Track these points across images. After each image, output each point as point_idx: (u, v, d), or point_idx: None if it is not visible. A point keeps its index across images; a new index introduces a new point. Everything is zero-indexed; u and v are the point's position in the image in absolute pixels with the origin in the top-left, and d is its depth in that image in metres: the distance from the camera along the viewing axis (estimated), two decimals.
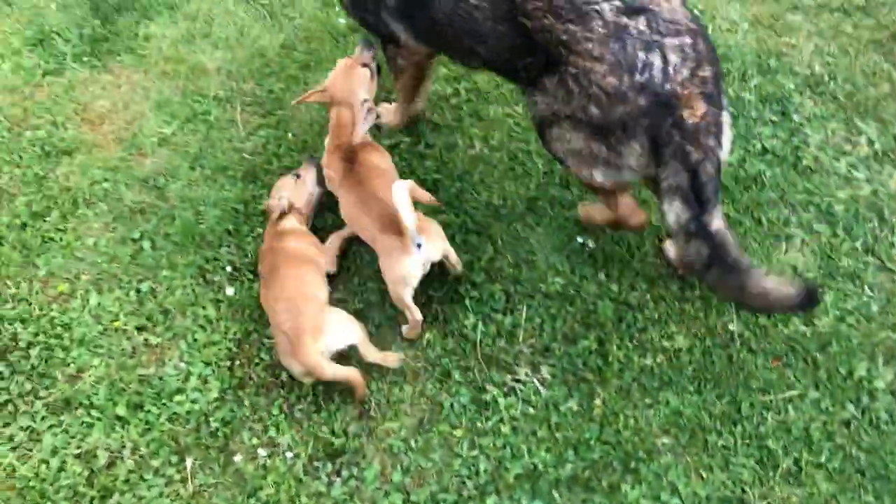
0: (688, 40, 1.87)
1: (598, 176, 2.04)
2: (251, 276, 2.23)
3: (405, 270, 2.04)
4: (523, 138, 2.53)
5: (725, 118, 1.91)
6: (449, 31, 2.13)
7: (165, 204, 2.40)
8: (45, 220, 2.36)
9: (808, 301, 1.88)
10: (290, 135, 2.56)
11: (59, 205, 2.39)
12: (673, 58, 1.85)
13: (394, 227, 2.00)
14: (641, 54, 1.85)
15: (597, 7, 1.88)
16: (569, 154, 2.06)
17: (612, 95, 1.88)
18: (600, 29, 1.88)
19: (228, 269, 2.25)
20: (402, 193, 1.95)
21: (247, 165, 2.49)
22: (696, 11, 2.81)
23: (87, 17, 2.93)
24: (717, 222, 1.89)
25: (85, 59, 2.80)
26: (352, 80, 2.28)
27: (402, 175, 2.27)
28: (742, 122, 2.54)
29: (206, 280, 2.24)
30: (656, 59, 1.85)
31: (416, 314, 2.09)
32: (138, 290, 2.21)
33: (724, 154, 1.92)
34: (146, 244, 2.31)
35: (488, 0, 2.01)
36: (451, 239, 2.23)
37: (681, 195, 1.89)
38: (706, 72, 1.87)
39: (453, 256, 2.16)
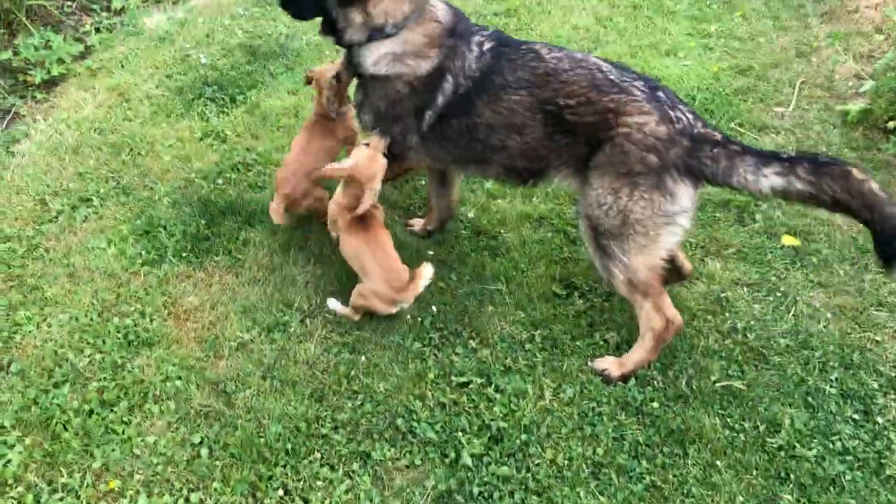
0: (690, 107, 2.50)
1: (667, 238, 2.44)
2: (302, 502, 2.17)
3: (380, 309, 2.62)
4: (595, 397, 2.50)
5: None
6: (483, 136, 2.60)
7: (231, 411, 2.40)
8: (112, 410, 2.37)
9: None
10: (363, 357, 2.60)
11: (130, 396, 2.42)
12: (691, 116, 2.44)
13: (392, 280, 2.59)
14: (671, 111, 2.42)
15: (632, 84, 2.46)
16: (629, 234, 2.44)
17: (666, 140, 2.38)
18: (641, 94, 2.42)
19: (280, 491, 2.20)
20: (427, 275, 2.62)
21: (316, 383, 2.51)
22: (778, 295, 2.84)
23: (195, 216, 3.11)
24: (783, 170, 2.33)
25: (184, 254, 2.95)
26: (374, 167, 2.63)
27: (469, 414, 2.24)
28: (821, 415, 2.46)
29: (255, 498, 2.19)
30: (681, 115, 2.43)
31: (352, 315, 2.70)
32: (188, 500, 2.16)
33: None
34: (204, 451, 2.28)
35: (531, 96, 2.51)
36: (510, 495, 2.16)
37: (772, 169, 2.32)
38: (715, 132, 2.44)
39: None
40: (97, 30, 4.41)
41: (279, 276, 2.87)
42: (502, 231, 3.12)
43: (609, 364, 2.59)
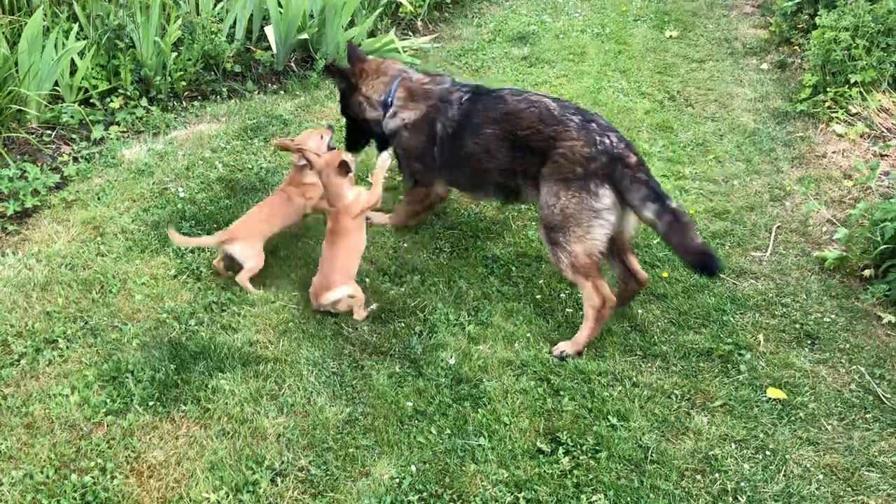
0: (620, 136, 3.32)
1: (598, 230, 3.21)
2: None
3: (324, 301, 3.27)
4: None
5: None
6: (473, 161, 3.54)
7: None
8: None
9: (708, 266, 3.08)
10: None
11: None
12: (615, 139, 3.28)
13: (318, 282, 3.30)
14: (598, 137, 3.27)
15: (564, 116, 3.37)
16: (569, 227, 3.23)
17: (588, 157, 3.24)
18: (574, 125, 3.32)
19: None
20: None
21: None
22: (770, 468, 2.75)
23: (164, 360, 2.99)
24: (672, 203, 3.14)
25: (151, 403, 2.81)
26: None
27: None
28: None
29: None
30: (607, 140, 3.26)
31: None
32: None
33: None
34: None
35: (499, 129, 3.48)
36: None
37: (649, 199, 3.14)
38: (633, 154, 3.25)
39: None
40: (75, 159, 4.39)
41: (249, 429, 2.73)
42: (484, 379, 3.03)
43: (564, 346, 3.23)
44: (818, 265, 3.79)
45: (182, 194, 4.08)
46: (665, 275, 3.71)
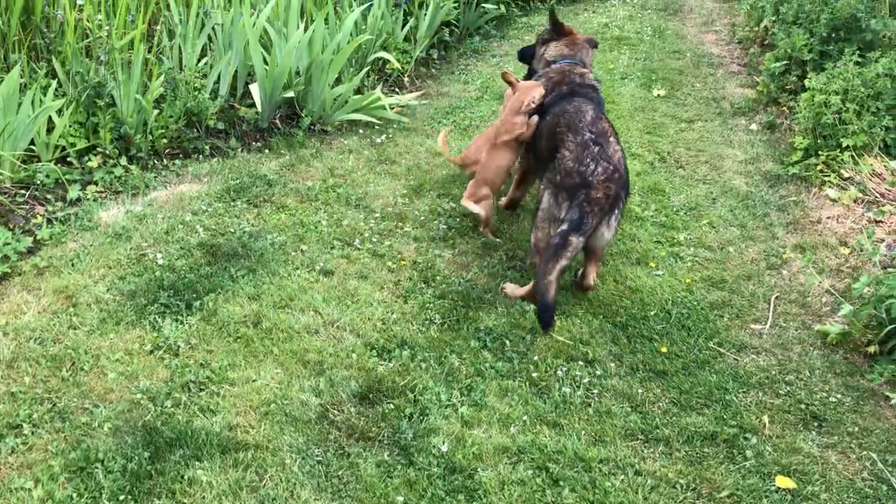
0: (612, 169, 3.67)
1: (544, 227, 3.77)
2: None
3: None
4: None
5: (613, 218, 3.73)
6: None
7: None
8: None
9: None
10: None
11: None
12: (600, 170, 3.64)
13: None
14: (589, 159, 3.67)
15: (584, 129, 3.78)
16: (541, 209, 3.81)
17: (570, 173, 3.68)
18: (577, 141, 3.74)
19: None
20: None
21: None
22: None
23: (138, 448, 2.79)
24: (574, 240, 3.57)
25: (121, 497, 2.61)
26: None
27: None
28: None
29: None
30: (594, 167, 3.65)
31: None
32: None
33: (607, 232, 3.76)
34: None
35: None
36: None
37: (571, 225, 3.58)
38: (612, 188, 3.64)
39: None
40: (49, 221, 4.22)
41: None
42: (479, 468, 2.86)
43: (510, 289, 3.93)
44: (820, 339, 3.68)
45: (161, 261, 3.91)
46: (664, 349, 3.57)
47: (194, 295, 3.68)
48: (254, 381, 3.21)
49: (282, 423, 3.00)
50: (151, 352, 3.32)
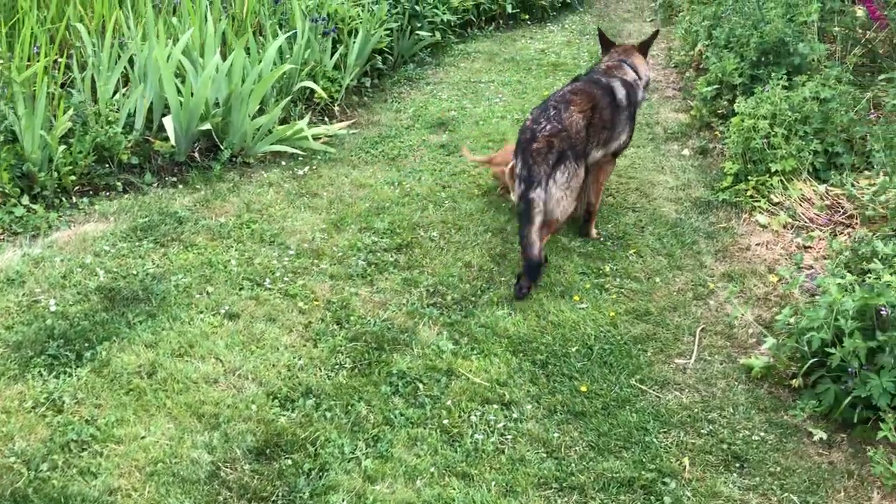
0: (560, 127, 4.14)
1: (512, 184, 4.33)
2: None
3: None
4: None
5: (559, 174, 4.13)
6: None
7: None
8: None
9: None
10: None
11: None
12: (549, 127, 4.12)
13: None
14: (543, 120, 4.17)
15: (553, 98, 4.40)
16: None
17: (524, 131, 4.23)
18: (542, 106, 4.35)
19: None
20: None
21: None
22: None
23: None
24: (534, 194, 4.01)
25: None
26: None
27: None
28: None
29: None
30: (545, 124, 4.14)
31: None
32: None
33: (556, 191, 4.13)
34: None
35: None
36: None
37: (524, 181, 4.07)
38: (555, 143, 4.10)
39: None
40: None
41: None
42: None
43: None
44: (745, 373, 3.56)
45: (53, 307, 3.67)
46: (584, 388, 3.42)
47: (87, 344, 3.45)
48: (142, 437, 2.99)
49: (168, 485, 2.78)
50: (32, 409, 3.08)
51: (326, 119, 6.41)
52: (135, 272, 4.01)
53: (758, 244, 4.63)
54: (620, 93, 4.56)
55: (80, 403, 3.13)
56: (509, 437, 3.15)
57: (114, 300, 3.77)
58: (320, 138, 5.91)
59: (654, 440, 3.16)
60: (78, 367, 3.31)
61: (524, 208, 4.03)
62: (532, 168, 4.06)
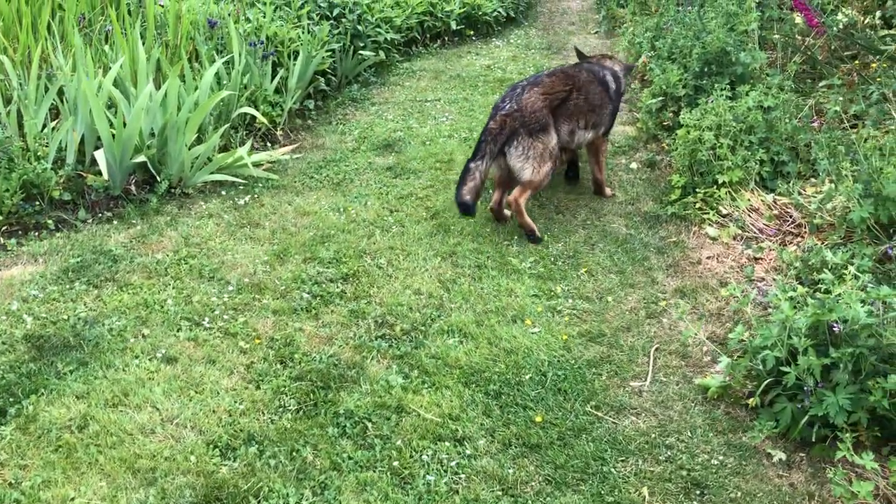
0: (514, 108, 4.79)
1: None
2: None
3: None
4: None
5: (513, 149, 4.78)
6: None
7: None
8: None
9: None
10: None
11: None
12: (507, 107, 4.80)
13: None
14: (506, 100, 4.88)
15: (523, 80, 5.19)
16: None
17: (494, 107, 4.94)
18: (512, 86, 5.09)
19: None
20: None
21: None
22: None
23: None
24: (472, 166, 4.71)
25: None
26: None
27: None
28: None
29: None
30: (506, 104, 4.87)
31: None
32: None
33: (516, 162, 4.80)
34: None
35: None
36: None
37: (473, 155, 4.76)
38: (508, 122, 4.75)
39: None
40: None
41: None
42: None
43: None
44: (701, 394, 3.49)
45: None
46: (539, 419, 3.32)
47: (12, 399, 3.24)
48: (72, 499, 2.80)
49: None
50: None
51: (269, 144, 6.25)
52: (66, 317, 3.80)
53: (708, 257, 4.59)
54: (609, 79, 5.35)
55: (2, 465, 2.93)
56: (463, 475, 3.02)
57: (42, 349, 3.56)
58: (262, 165, 5.75)
59: (613, 470, 3.07)
60: (2, 424, 3.11)
61: (463, 171, 4.73)
62: (482, 145, 4.73)
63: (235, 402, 3.33)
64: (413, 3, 8.91)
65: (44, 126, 5.14)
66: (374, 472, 3.02)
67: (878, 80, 5.53)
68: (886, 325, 3.05)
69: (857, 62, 6.25)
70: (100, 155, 4.94)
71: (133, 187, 5.14)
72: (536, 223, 4.97)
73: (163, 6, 6.56)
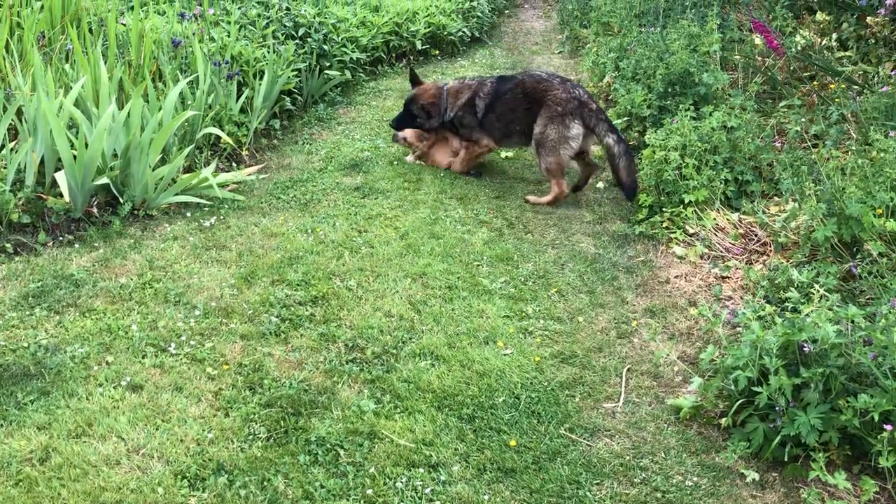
0: (585, 93, 5.73)
1: (563, 151, 5.53)
2: None
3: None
4: None
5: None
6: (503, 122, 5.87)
7: None
8: None
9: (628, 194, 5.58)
10: None
11: None
12: (583, 92, 5.67)
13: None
14: (573, 89, 5.65)
15: (552, 79, 5.79)
16: (547, 146, 5.56)
17: (563, 101, 5.54)
18: (558, 84, 5.69)
19: None
20: None
21: None
22: None
23: None
24: (615, 139, 5.55)
25: None
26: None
27: None
28: None
29: None
30: (577, 91, 5.63)
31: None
32: None
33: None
34: None
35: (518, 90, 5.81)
36: None
37: (611, 131, 5.54)
38: (594, 102, 5.66)
39: None
40: None
41: None
42: None
43: (533, 198, 5.69)
44: (674, 414, 3.50)
45: None
46: (513, 443, 3.29)
47: None
48: None
49: None
50: None
51: (235, 164, 6.18)
52: (25, 344, 3.69)
53: (677, 276, 4.63)
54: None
55: None
56: (438, 502, 2.98)
57: (1, 378, 3.45)
58: (228, 185, 5.68)
59: (588, 493, 3.05)
60: None
61: (626, 149, 5.54)
62: (607, 119, 5.64)
63: (204, 430, 3.25)
64: (379, 22, 8.91)
65: (1, 147, 5.02)
66: (348, 500, 2.96)
67: (837, 100, 5.66)
68: (855, 344, 3.09)
69: (815, 83, 6.38)
70: (60, 176, 4.83)
71: (95, 209, 5.03)
72: (506, 243, 4.98)
73: (125, 25, 6.47)
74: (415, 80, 6.26)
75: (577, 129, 5.47)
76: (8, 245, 4.61)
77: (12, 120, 5.16)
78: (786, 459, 3.09)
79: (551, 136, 5.50)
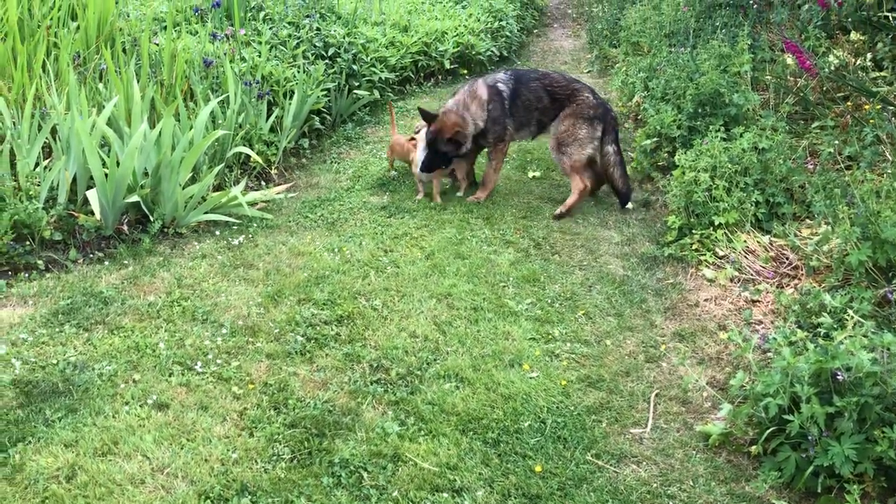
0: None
1: (588, 149, 5.85)
2: None
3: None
4: None
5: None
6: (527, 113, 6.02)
7: None
8: None
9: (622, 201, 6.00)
10: None
11: None
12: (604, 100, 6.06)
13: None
14: (597, 96, 5.99)
15: (578, 82, 6.11)
16: (574, 144, 5.85)
17: (594, 106, 5.90)
18: (585, 89, 6.00)
19: None
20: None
21: None
22: None
23: None
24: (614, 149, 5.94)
25: None
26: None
27: None
28: None
29: None
30: (601, 98, 5.95)
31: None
32: None
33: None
34: None
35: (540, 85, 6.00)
36: None
37: (615, 141, 5.92)
38: (611, 112, 6.05)
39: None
40: None
41: None
42: None
43: (559, 209, 5.77)
44: (702, 441, 3.43)
45: None
46: (539, 468, 3.25)
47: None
48: None
49: None
50: None
51: (264, 183, 6.23)
52: (55, 361, 3.73)
53: (706, 299, 4.56)
54: None
55: None
56: None
57: (30, 395, 3.48)
58: (256, 204, 5.72)
59: None
60: None
61: (621, 159, 5.95)
62: (617, 130, 6.06)
63: (228, 450, 3.25)
64: (408, 42, 8.97)
65: (36, 165, 5.11)
66: None
67: (872, 121, 5.57)
68: (891, 373, 3.01)
69: (849, 103, 6.29)
70: (92, 194, 4.90)
71: (125, 227, 5.09)
72: (532, 263, 4.95)
73: (158, 45, 6.57)
74: (427, 116, 5.81)
75: (600, 132, 5.83)
76: (39, 262, 4.68)
77: (47, 138, 5.25)
78: (819, 490, 3.01)
79: (580, 135, 5.78)
